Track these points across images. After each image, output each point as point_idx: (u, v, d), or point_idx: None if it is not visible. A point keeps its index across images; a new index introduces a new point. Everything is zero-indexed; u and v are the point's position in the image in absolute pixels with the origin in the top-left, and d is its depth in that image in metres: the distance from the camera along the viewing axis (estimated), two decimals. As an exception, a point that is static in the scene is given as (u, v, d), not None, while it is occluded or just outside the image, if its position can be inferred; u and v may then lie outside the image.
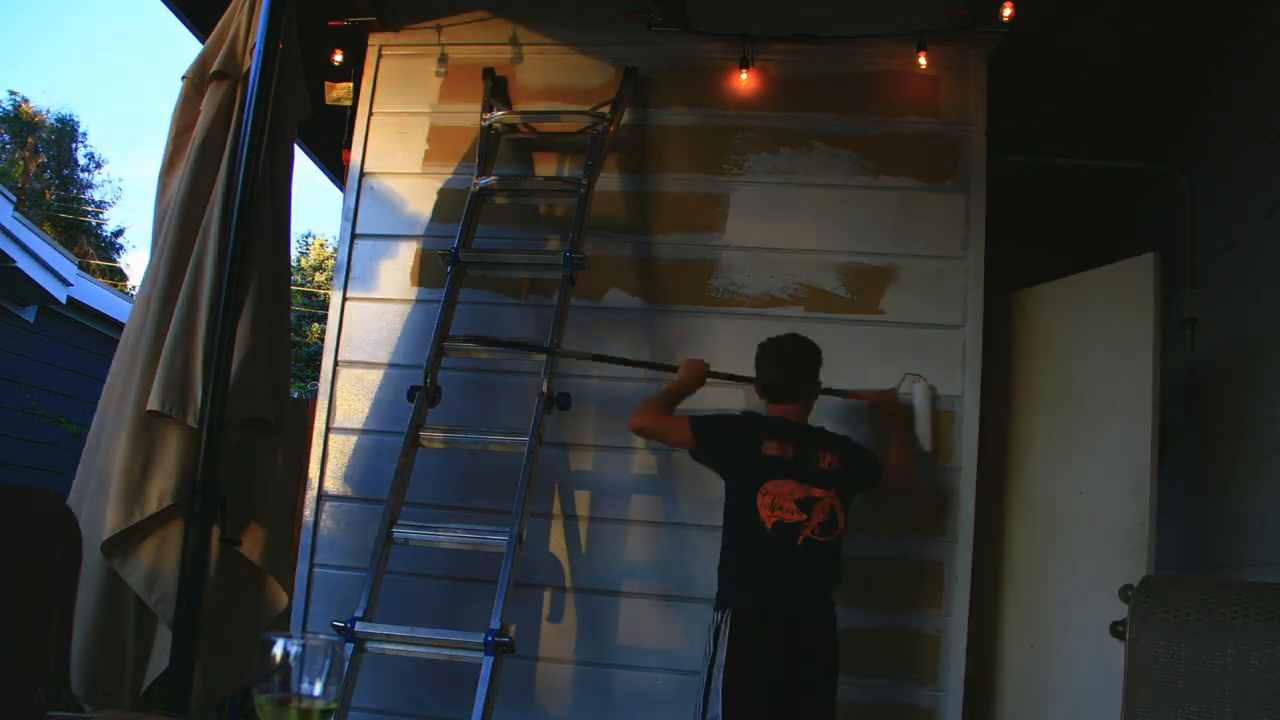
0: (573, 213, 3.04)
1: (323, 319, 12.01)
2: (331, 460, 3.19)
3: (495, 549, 2.56)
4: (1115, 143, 3.93)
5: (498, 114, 3.23)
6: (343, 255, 3.33)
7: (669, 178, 3.25)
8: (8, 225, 5.99)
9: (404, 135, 3.38)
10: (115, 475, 2.34)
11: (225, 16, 2.68)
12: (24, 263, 6.17)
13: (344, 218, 3.34)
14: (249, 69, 2.52)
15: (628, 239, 3.22)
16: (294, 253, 9.13)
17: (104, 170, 26.46)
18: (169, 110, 2.70)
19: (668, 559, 3.01)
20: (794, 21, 3.22)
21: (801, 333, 2.78)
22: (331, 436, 3.20)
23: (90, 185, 20.20)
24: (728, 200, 3.20)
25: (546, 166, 3.37)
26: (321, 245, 21.21)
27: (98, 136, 37.95)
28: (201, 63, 2.65)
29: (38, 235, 6.45)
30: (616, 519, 3.05)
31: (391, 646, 2.50)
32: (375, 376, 3.22)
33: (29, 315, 6.72)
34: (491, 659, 2.34)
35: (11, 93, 21.64)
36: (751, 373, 2.80)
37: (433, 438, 2.78)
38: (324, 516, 3.15)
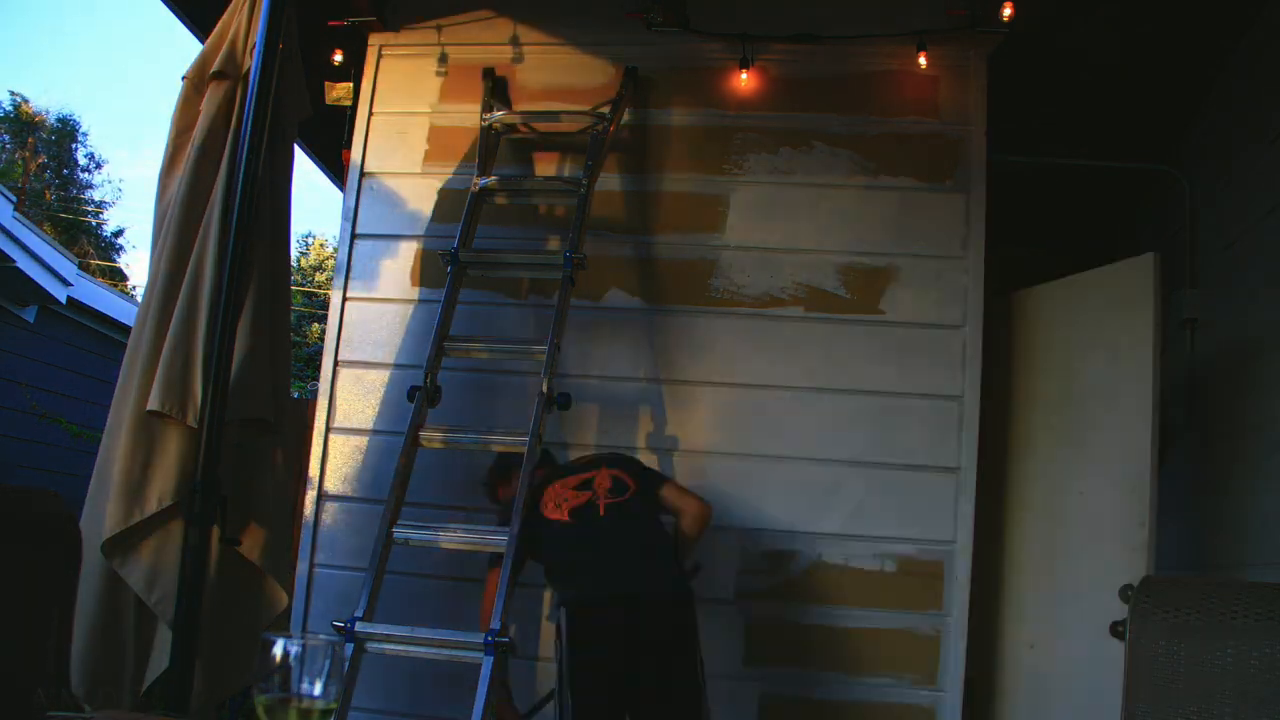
0: (573, 213, 3.03)
1: (323, 319, 12.02)
2: (331, 460, 3.19)
3: (495, 549, 2.56)
4: (1115, 143, 3.93)
5: (498, 114, 3.23)
6: (343, 255, 3.33)
7: (669, 178, 3.25)
8: (8, 225, 5.99)
9: (404, 135, 3.38)
10: (115, 475, 2.34)
11: (225, 16, 2.68)
12: (24, 263, 6.17)
13: (344, 218, 3.34)
14: (249, 69, 2.52)
15: (628, 239, 3.22)
16: (294, 253, 9.16)
17: (104, 170, 26.47)
18: (169, 110, 2.70)
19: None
20: (794, 21, 3.22)
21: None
22: (331, 436, 3.20)
23: (90, 185, 20.21)
24: (728, 200, 3.20)
25: (546, 166, 3.37)
26: (321, 245, 21.21)
27: (98, 136, 37.95)
28: (201, 63, 2.65)
29: (38, 235, 6.45)
30: (616, 519, 3.05)
31: (391, 646, 2.49)
32: (375, 376, 3.22)
33: (29, 315, 6.73)
34: (491, 659, 2.34)
35: (12, 93, 21.67)
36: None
37: (433, 438, 2.78)
38: (324, 516, 3.15)
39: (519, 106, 3.32)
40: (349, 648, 2.42)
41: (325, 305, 8.74)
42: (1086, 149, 3.93)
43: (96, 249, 19.26)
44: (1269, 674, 1.39)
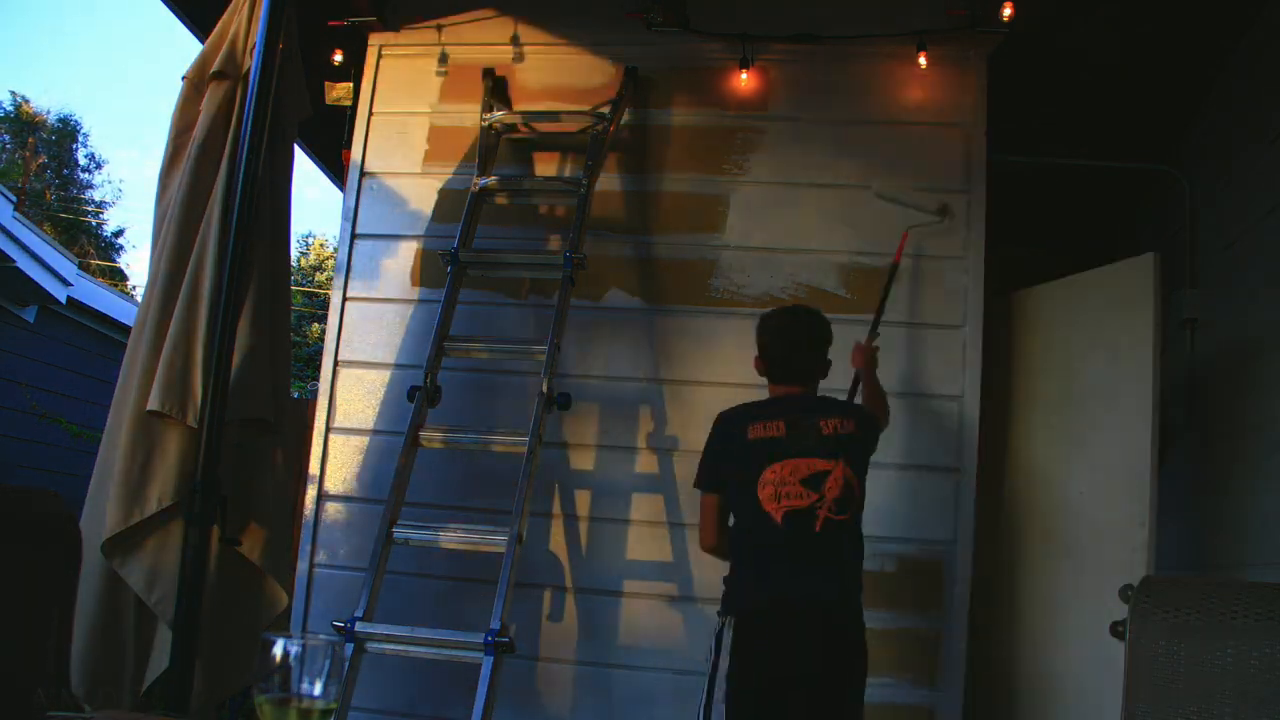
0: (573, 213, 3.04)
1: (323, 319, 12.01)
2: (331, 460, 3.19)
3: (495, 549, 2.56)
4: (1115, 143, 3.93)
5: (498, 114, 3.23)
6: (343, 255, 3.33)
7: (669, 178, 3.25)
8: (8, 225, 5.99)
9: (404, 135, 3.38)
10: (115, 475, 2.34)
11: (225, 16, 2.68)
12: (24, 263, 6.17)
13: (344, 218, 3.34)
14: (249, 69, 2.52)
15: (628, 239, 3.22)
16: (294, 253, 9.15)
17: (104, 170, 26.49)
18: (169, 110, 2.71)
19: (668, 559, 3.00)
20: (794, 21, 3.22)
21: (828, 329, 2.57)
22: (331, 436, 3.20)
23: (90, 185, 20.22)
24: (728, 200, 3.20)
25: (546, 166, 3.37)
26: (321, 245, 21.22)
27: (98, 136, 37.96)
28: (201, 63, 2.66)
29: (38, 235, 6.45)
30: (617, 519, 3.05)
31: (391, 646, 2.49)
32: (375, 376, 3.23)
33: (29, 315, 6.73)
34: (491, 659, 2.34)
35: (12, 93, 21.67)
36: (751, 374, 2.74)
37: (433, 438, 2.78)
38: (324, 516, 3.15)
39: (519, 106, 3.32)
40: (349, 648, 2.42)
41: (325, 305, 8.73)
42: (1086, 149, 3.93)
43: (96, 249, 19.27)
44: (1269, 674, 1.39)
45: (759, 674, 2.23)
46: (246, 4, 2.64)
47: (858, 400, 2.76)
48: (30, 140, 18.60)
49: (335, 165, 3.79)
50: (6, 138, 18.69)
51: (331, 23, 3.37)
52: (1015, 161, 3.44)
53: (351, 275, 3.30)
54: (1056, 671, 3.00)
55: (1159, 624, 1.48)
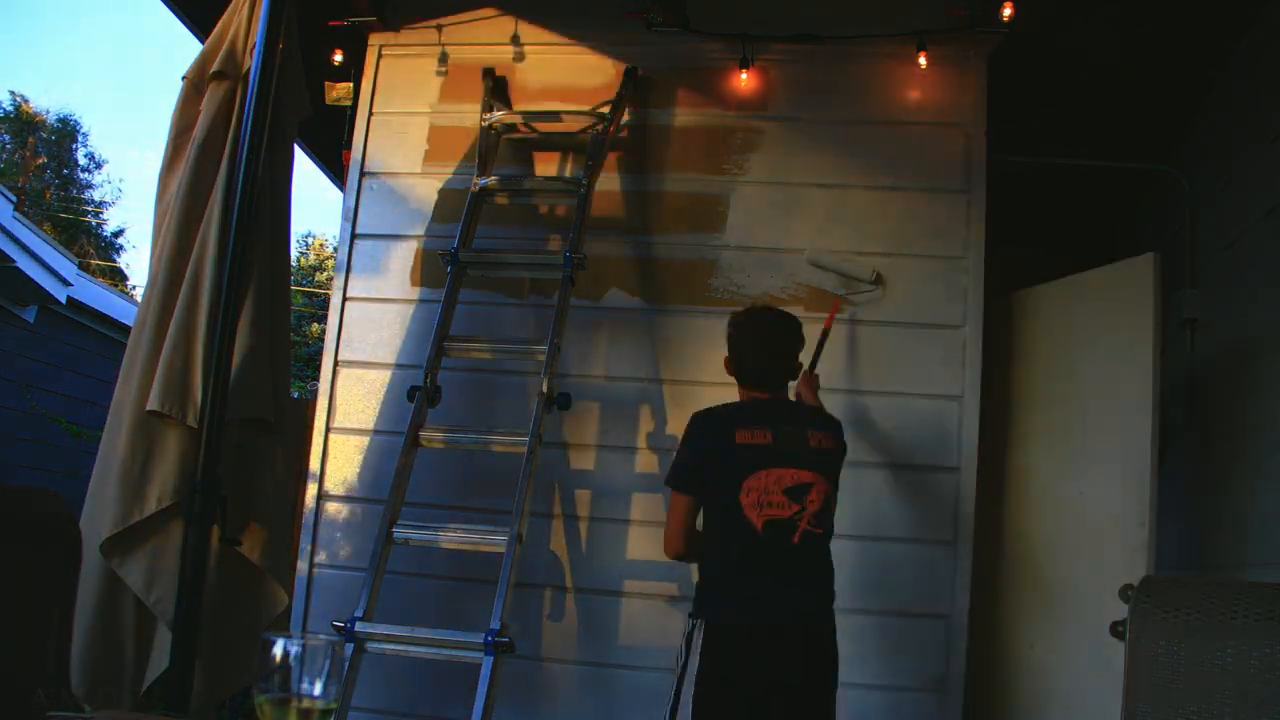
0: (573, 213, 3.04)
1: (323, 319, 12.01)
2: (331, 460, 3.19)
3: (495, 549, 2.56)
4: (1115, 143, 3.93)
5: (498, 114, 3.23)
6: (343, 255, 3.33)
7: (669, 178, 3.25)
8: (8, 225, 5.98)
9: (404, 135, 3.38)
10: (115, 475, 2.34)
11: (225, 16, 2.68)
12: (24, 263, 6.16)
13: (344, 218, 3.34)
14: (249, 69, 2.52)
15: (628, 239, 3.22)
16: (294, 253, 9.15)
17: (104, 170, 26.47)
18: (169, 110, 2.71)
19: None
20: (794, 21, 3.22)
21: (801, 332, 2.59)
22: (331, 436, 3.20)
23: (90, 185, 20.21)
24: (728, 200, 3.20)
25: (546, 166, 3.37)
26: (321, 245, 21.21)
27: (98, 136, 37.94)
28: (201, 63, 2.66)
29: (38, 235, 6.44)
30: (617, 519, 3.05)
31: (391, 646, 2.49)
32: (375, 376, 3.23)
33: (29, 315, 6.72)
34: (491, 659, 2.34)
35: (12, 93, 21.66)
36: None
37: (433, 438, 2.78)
38: (324, 516, 3.15)
39: (519, 106, 3.32)
40: (349, 648, 2.42)
41: (325, 305, 8.73)
42: (1086, 149, 3.93)
43: (96, 249, 19.26)
44: (1269, 674, 1.39)
45: (738, 685, 2.24)
46: (246, 4, 2.64)
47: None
48: (30, 140, 18.59)
49: (335, 165, 3.79)
50: (6, 138, 18.68)
51: (331, 23, 3.37)
52: (1015, 161, 3.44)
53: (351, 275, 3.30)
54: (1056, 671, 3.00)
55: (1159, 624, 1.48)
